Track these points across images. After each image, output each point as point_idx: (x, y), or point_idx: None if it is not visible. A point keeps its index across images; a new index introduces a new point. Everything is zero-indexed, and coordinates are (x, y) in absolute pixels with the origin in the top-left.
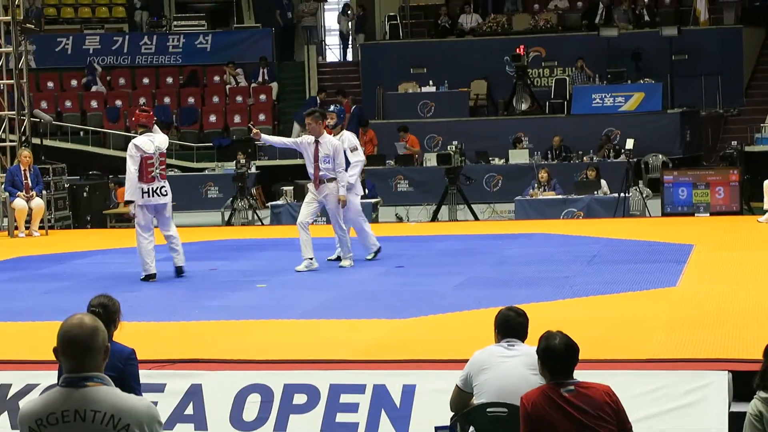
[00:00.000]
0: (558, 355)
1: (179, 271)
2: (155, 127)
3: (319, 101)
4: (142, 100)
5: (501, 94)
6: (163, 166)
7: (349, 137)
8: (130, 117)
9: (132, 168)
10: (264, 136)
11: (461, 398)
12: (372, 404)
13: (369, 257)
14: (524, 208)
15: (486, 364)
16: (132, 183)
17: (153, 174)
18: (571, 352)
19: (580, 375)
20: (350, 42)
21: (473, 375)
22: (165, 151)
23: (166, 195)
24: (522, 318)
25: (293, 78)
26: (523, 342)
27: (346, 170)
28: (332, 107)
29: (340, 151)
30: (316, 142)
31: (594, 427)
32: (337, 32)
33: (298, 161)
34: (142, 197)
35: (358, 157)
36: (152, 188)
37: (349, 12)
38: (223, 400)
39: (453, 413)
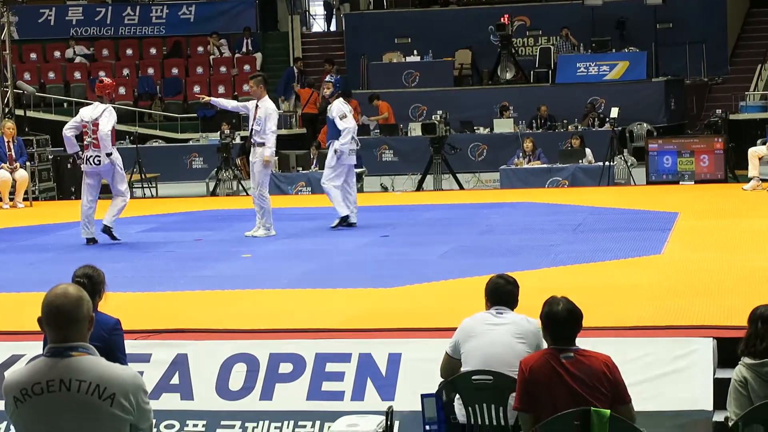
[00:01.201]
0: (559, 320)
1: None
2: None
3: (296, 71)
4: (125, 71)
5: (485, 64)
6: (95, 136)
7: (337, 105)
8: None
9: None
10: (215, 99)
11: (450, 365)
12: (358, 373)
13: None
14: (509, 177)
15: (473, 332)
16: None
17: (86, 142)
18: (573, 319)
19: None
20: (334, 12)
21: (461, 342)
22: (97, 122)
23: (99, 165)
24: (511, 286)
25: (277, 48)
26: (512, 310)
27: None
28: (329, 77)
29: (272, 115)
30: (256, 106)
31: (586, 396)
32: (321, 2)
33: (283, 131)
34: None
35: (346, 125)
36: (86, 156)
37: None
38: (209, 369)
39: (441, 381)
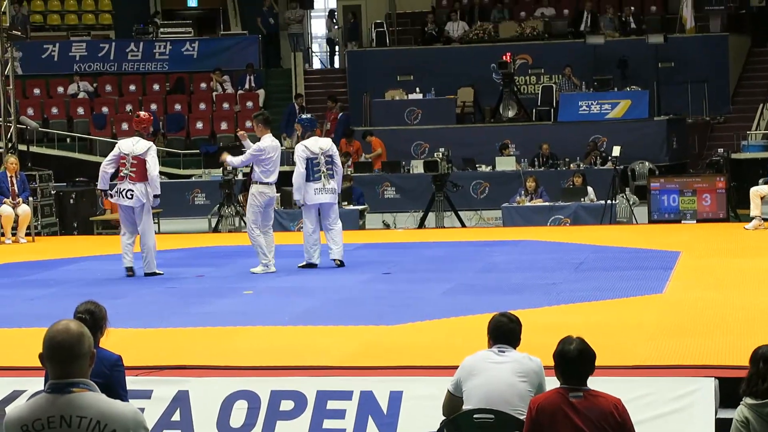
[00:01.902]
0: (570, 360)
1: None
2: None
3: (297, 107)
4: (128, 107)
5: (488, 102)
6: (134, 170)
7: (295, 149)
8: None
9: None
10: (230, 159)
11: (452, 403)
12: (359, 410)
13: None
14: (511, 215)
15: (475, 370)
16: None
17: (122, 173)
18: (584, 359)
19: None
20: (338, 49)
21: (463, 380)
22: (140, 157)
23: (131, 199)
24: (514, 324)
25: (280, 85)
26: (515, 348)
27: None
28: (297, 118)
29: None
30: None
31: None
32: (324, 39)
33: (285, 168)
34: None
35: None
36: (119, 188)
37: (335, 19)
38: (210, 406)
39: (442, 419)
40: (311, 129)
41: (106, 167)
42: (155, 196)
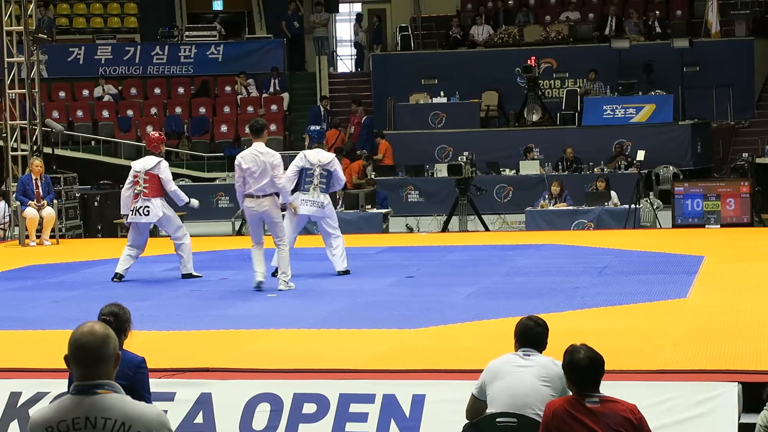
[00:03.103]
0: (582, 368)
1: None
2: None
3: (322, 110)
4: (153, 110)
5: (512, 106)
6: (147, 185)
7: (298, 155)
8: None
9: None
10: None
11: (476, 406)
12: (381, 414)
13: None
14: (535, 219)
15: (499, 373)
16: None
17: (136, 191)
18: (595, 365)
19: None
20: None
21: (487, 383)
22: (152, 173)
23: (148, 215)
24: (540, 328)
25: (304, 88)
26: (541, 352)
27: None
28: (307, 129)
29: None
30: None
31: None
32: (349, 43)
33: None
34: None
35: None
36: (135, 206)
37: (362, 23)
38: (233, 409)
39: (466, 423)
40: (318, 141)
41: (126, 192)
42: (186, 204)
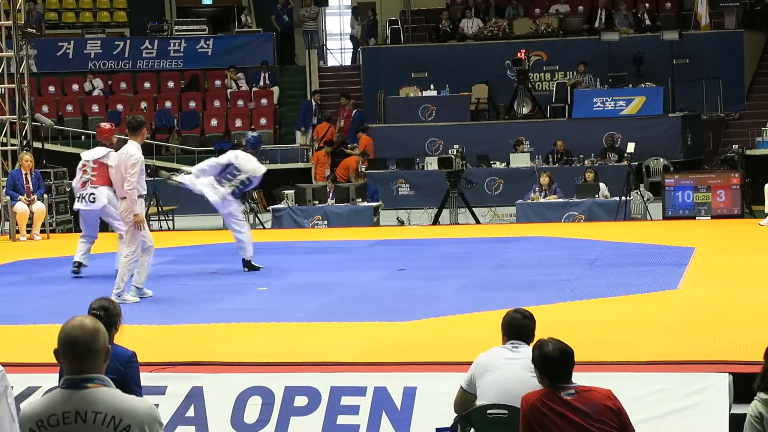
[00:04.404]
0: (553, 360)
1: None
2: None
3: (314, 104)
4: (143, 105)
5: (502, 99)
6: (95, 173)
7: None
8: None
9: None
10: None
11: (465, 399)
12: (373, 406)
13: None
14: (525, 211)
15: (489, 366)
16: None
17: (83, 179)
18: (565, 357)
19: (581, 377)
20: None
21: (477, 376)
22: (100, 161)
23: (93, 202)
24: (528, 320)
25: (294, 82)
26: (528, 344)
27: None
28: (245, 136)
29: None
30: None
31: (595, 430)
32: (339, 37)
33: (300, 165)
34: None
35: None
36: (82, 194)
37: (358, 16)
38: (224, 402)
39: (457, 414)
40: (254, 147)
41: (77, 183)
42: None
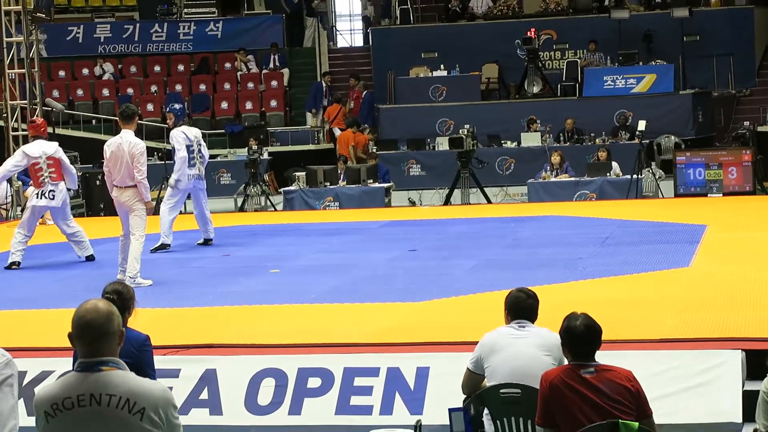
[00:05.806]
0: (578, 336)
1: (90, 258)
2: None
3: (324, 86)
4: (153, 88)
5: (512, 78)
6: (52, 170)
7: (173, 135)
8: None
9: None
10: None
11: (473, 380)
12: (386, 387)
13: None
14: (537, 190)
15: (497, 346)
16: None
17: (42, 178)
18: (592, 334)
19: (597, 356)
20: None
21: (484, 357)
22: (54, 157)
23: (53, 199)
24: (532, 299)
25: (304, 64)
26: (533, 323)
27: None
28: (168, 107)
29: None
30: None
31: (610, 410)
32: (348, 17)
33: (311, 147)
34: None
35: (179, 155)
36: (42, 191)
37: None
38: (238, 384)
39: (465, 395)
40: (182, 118)
41: (12, 169)
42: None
